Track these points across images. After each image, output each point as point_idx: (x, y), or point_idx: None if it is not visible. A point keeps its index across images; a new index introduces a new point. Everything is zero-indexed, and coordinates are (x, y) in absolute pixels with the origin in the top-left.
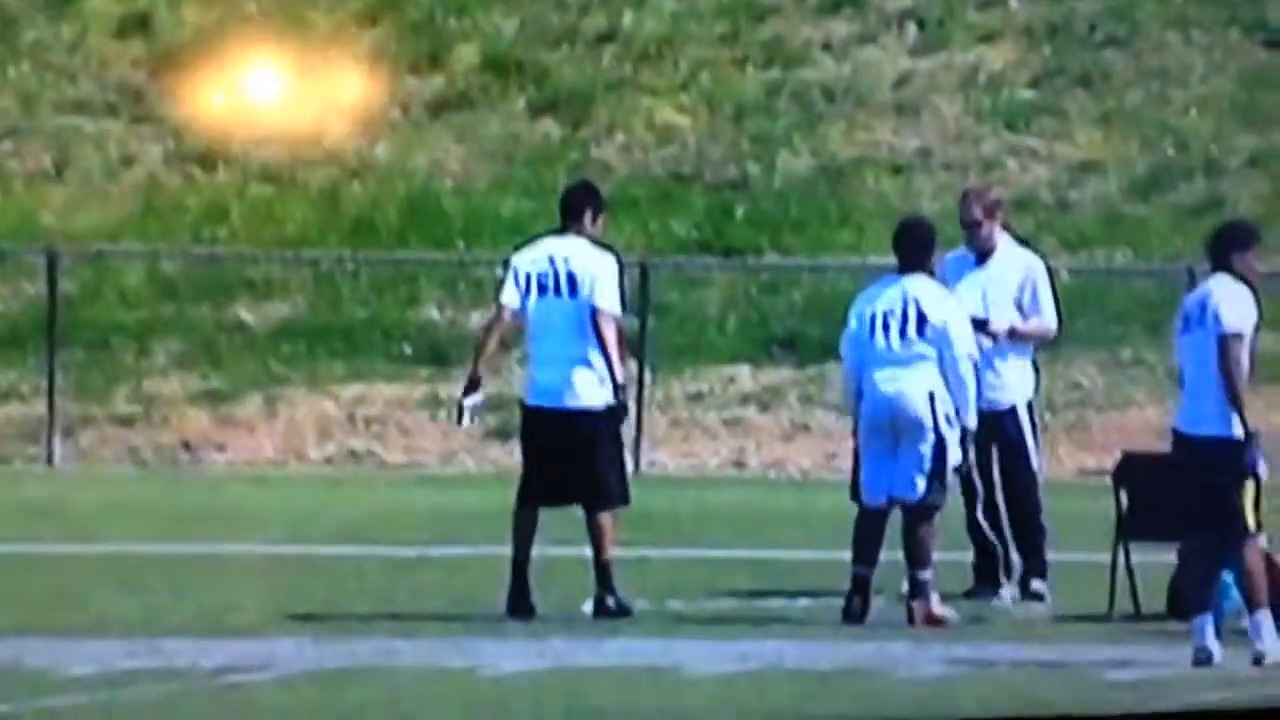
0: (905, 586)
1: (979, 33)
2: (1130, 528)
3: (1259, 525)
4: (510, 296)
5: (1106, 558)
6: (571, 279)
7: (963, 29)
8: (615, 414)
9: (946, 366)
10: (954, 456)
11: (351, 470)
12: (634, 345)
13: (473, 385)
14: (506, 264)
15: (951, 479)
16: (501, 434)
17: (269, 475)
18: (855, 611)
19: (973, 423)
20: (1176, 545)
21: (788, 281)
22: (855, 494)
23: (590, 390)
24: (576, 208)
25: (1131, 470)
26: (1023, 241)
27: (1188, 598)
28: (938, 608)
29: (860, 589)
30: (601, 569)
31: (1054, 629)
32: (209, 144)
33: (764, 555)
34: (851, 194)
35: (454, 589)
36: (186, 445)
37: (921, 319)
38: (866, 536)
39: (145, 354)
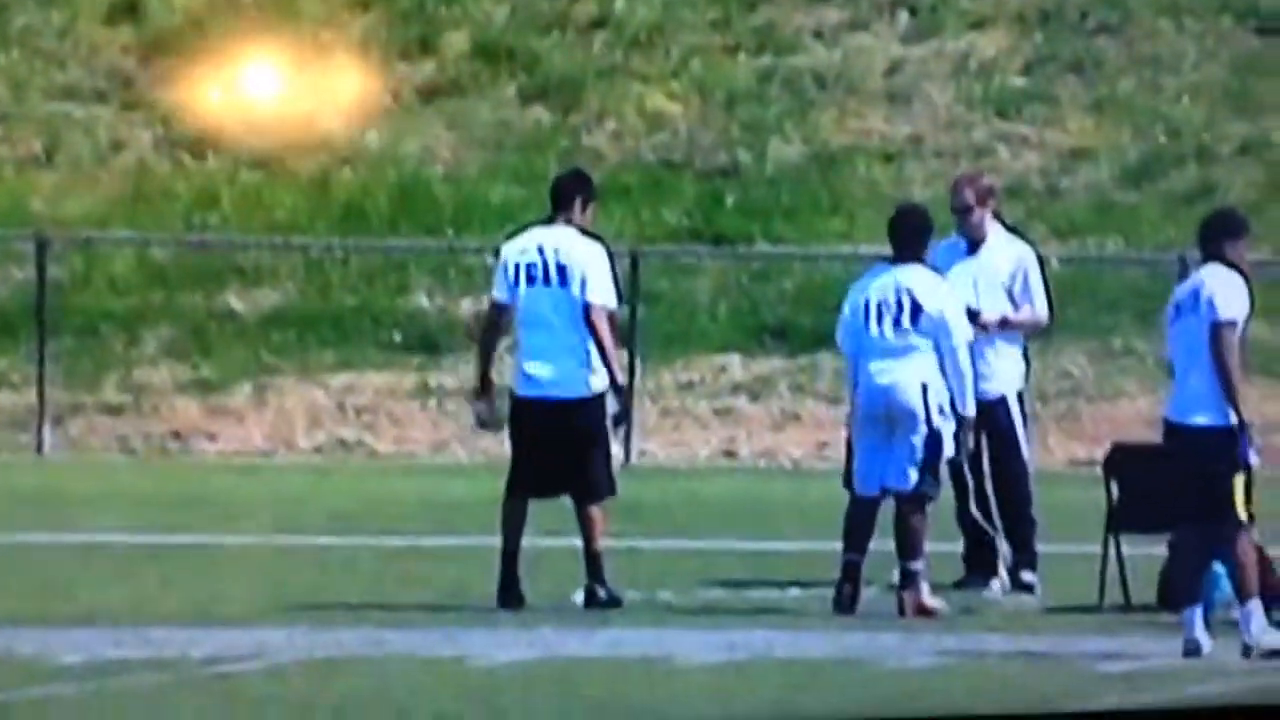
0: (896, 577)
1: (971, 19)
2: (1120, 519)
3: (1250, 517)
4: (500, 291)
5: (1097, 549)
6: (561, 269)
7: (955, 16)
8: (606, 409)
9: (944, 356)
10: (948, 448)
11: (341, 459)
12: (624, 334)
13: (485, 387)
14: (498, 253)
15: (944, 470)
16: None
17: (258, 464)
18: (845, 599)
19: (971, 411)
20: (1167, 537)
21: (779, 270)
22: (848, 482)
23: (579, 381)
24: (567, 196)
25: (1122, 461)
26: (1014, 230)
27: (1178, 589)
28: (928, 599)
29: (851, 576)
30: (592, 559)
31: (1044, 620)
32: (199, 130)
33: (755, 545)
34: (843, 181)
35: (444, 579)
36: (176, 434)
37: (916, 309)
38: (858, 525)
39: (135, 342)
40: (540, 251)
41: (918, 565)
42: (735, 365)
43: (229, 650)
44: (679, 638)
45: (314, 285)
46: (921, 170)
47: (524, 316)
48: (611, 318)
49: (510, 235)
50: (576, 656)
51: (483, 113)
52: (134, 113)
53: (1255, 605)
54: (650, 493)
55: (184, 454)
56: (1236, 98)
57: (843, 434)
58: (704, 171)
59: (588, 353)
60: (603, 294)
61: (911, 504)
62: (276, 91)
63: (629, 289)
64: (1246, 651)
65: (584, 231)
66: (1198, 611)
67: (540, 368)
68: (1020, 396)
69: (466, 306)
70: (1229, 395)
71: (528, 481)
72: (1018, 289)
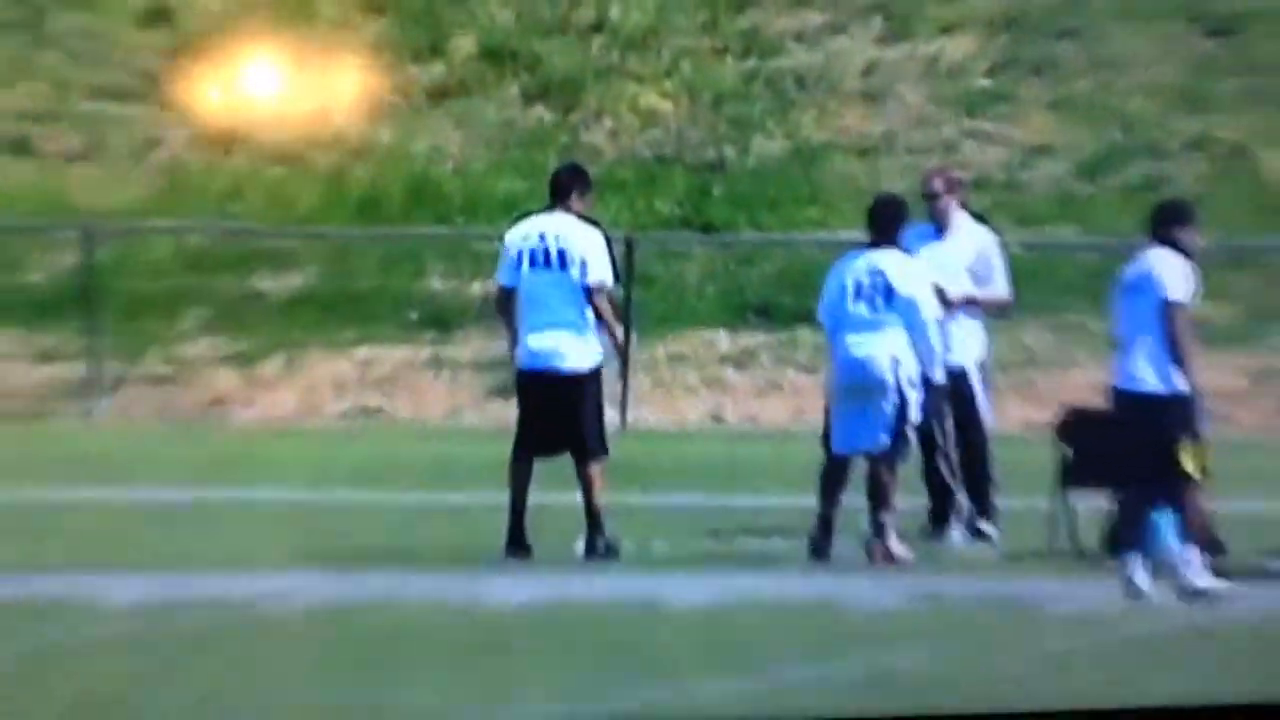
0: (868, 526)
1: (941, 24)
2: (1071, 476)
3: (1204, 474)
4: (505, 275)
5: (1049, 503)
6: (561, 253)
7: (926, 21)
8: (600, 380)
9: (914, 332)
10: (914, 415)
11: (364, 424)
12: (620, 313)
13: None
14: (503, 240)
15: (912, 433)
16: (502, 391)
17: (290, 429)
18: (820, 546)
19: (941, 378)
20: (1113, 492)
21: (762, 254)
22: (826, 444)
23: (576, 355)
24: (565, 187)
25: (1073, 423)
26: (979, 218)
27: (1122, 538)
28: (896, 547)
29: (825, 526)
30: (592, 514)
31: (1000, 566)
32: (227, 128)
33: (739, 501)
34: (821, 175)
35: (458, 531)
36: (216, 401)
37: (890, 289)
38: (832, 481)
39: (175, 320)
40: (541, 238)
41: (887, 517)
42: (722, 339)
43: (264, 594)
44: (671, 583)
45: (337, 269)
46: (894, 165)
47: (526, 297)
48: (611, 298)
49: (514, 222)
50: (578, 600)
51: (488, 112)
52: (168, 112)
53: (1193, 551)
54: (645, 454)
55: (222, 420)
56: (1187, 96)
57: (821, 401)
58: (693, 165)
59: (584, 329)
60: (601, 275)
61: (882, 463)
62: (296, 92)
63: (625, 272)
64: (1184, 592)
65: (582, 217)
66: (1139, 558)
67: (542, 343)
68: (981, 366)
69: (476, 288)
70: (1183, 368)
71: (531, 443)
72: (981, 271)
